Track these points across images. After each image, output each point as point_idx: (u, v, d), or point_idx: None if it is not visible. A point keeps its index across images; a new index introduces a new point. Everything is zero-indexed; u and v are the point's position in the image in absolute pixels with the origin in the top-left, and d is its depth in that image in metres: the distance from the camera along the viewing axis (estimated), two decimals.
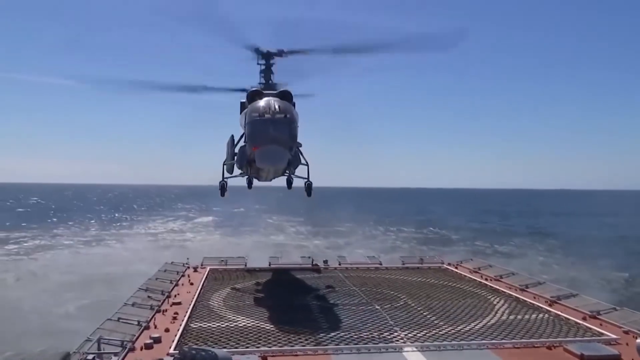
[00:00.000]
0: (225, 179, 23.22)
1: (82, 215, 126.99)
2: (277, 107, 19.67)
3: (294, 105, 21.87)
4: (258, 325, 17.13)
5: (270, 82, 23.40)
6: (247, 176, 23.03)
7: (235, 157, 22.73)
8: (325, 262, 30.10)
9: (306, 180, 23.03)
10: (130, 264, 52.73)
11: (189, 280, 24.60)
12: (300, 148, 22.07)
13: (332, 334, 16.12)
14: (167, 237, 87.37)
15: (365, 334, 16.17)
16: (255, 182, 23.71)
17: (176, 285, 23.37)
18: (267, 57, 23.27)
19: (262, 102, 20.11)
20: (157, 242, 79.78)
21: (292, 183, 22.09)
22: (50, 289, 43.22)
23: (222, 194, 23.22)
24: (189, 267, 27.64)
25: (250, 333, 16.21)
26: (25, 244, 75.77)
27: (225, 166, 23.45)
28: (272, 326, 16.90)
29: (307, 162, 22.92)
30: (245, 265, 29.13)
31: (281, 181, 23.22)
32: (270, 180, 23.90)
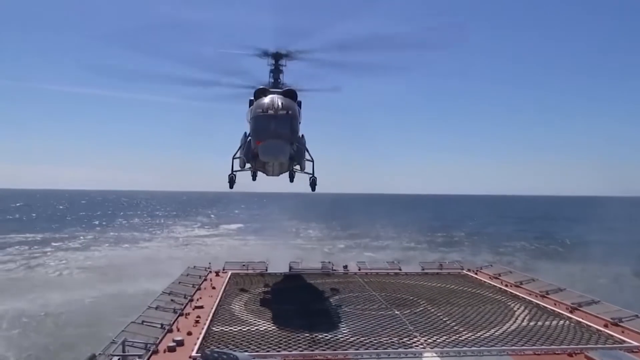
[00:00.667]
0: (234, 172, 24.16)
1: (131, 218, 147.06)
2: (279, 104, 20.55)
3: (299, 103, 22.78)
4: (279, 329, 17.35)
5: (279, 81, 24.38)
6: (253, 169, 24.06)
7: (244, 151, 23.62)
8: (345, 267, 30.24)
9: (311, 175, 24.25)
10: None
11: (211, 284, 24.95)
12: (306, 145, 23.53)
13: (352, 338, 16.28)
14: (196, 239, 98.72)
15: (384, 339, 16.29)
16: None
17: (198, 289, 23.72)
18: (275, 58, 24.33)
19: (266, 100, 21.11)
20: (187, 244, 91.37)
21: (294, 176, 23.25)
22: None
23: (231, 187, 24.22)
24: (211, 272, 27.98)
25: (271, 337, 16.44)
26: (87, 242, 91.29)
27: (235, 160, 24.31)
28: (292, 330, 17.10)
29: (312, 159, 24.13)
30: (266, 270, 29.42)
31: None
32: (278, 174, 24.75)
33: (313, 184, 24.34)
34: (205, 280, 25.82)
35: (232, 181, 24.11)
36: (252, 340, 16.05)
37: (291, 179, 23.57)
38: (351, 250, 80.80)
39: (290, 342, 15.92)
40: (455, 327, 17.70)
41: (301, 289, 24.91)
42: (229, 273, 27.95)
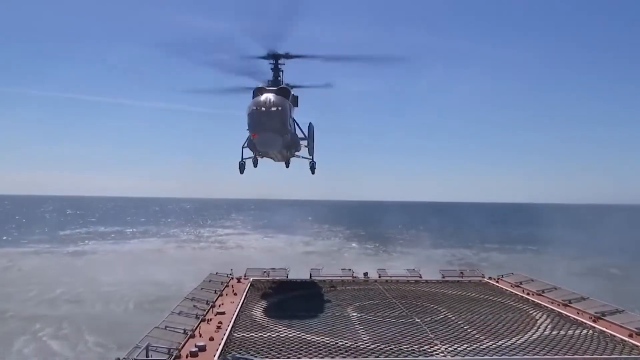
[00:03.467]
0: (244, 160, 26.89)
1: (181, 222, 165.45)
2: (270, 100, 22.97)
3: (296, 98, 26.04)
4: (299, 335, 17.47)
5: (279, 79, 26.15)
6: (254, 157, 26.63)
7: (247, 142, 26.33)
8: (366, 274, 30.26)
9: (310, 160, 28.83)
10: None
11: (233, 290, 25.19)
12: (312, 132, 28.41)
13: (373, 346, 16.33)
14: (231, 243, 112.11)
15: (405, 346, 16.30)
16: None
17: (220, 295, 23.97)
18: (275, 58, 26.16)
19: (259, 97, 23.33)
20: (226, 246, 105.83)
21: (289, 163, 26.72)
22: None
23: (241, 172, 26.96)
24: (232, 278, 28.23)
25: (292, 343, 16.57)
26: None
27: (245, 149, 26.76)
28: (313, 337, 17.22)
29: (313, 146, 28.77)
30: (287, 277, 29.58)
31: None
32: (282, 161, 27.97)
33: (312, 167, 28.90)
34: (227, 286, 26.07)
35: (242, 167, 26.83)
36: (273, 347, 16.19)
37: (287, 164, 26.73)
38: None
39: (311, 349, 16.03)
40: (476, 336, 17.64)
41: (322, 296, 25.02)
42: (250, 279, 28.18)
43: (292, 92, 26.33)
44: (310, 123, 30.70)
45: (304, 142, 28.90)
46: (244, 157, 26.50)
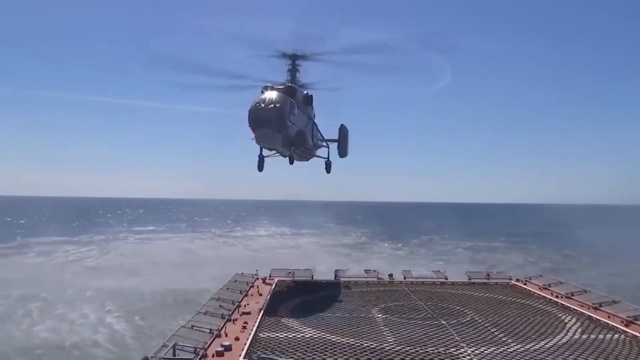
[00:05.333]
0: (263, 156, 27.24)
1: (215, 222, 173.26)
2: (269, 98, 23.61)
3: (309, 98, 26.98)
4: (324, 336, 17.48)
5: (296, 79, 26.94)
6: (260, 153, 26.91)
7: None
8: (391, 275, 30.12)
9: (326, 159, 29.75)
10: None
11: (258, 291, 25.32)
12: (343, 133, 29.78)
13: (398, 348, 16.24)
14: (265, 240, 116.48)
15: (431, 349, 16.18)
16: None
17: (246, 295, 24.11)
18: (292, 59, 26.95)
19: (260, 95, 23.99)
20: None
21: (293, 159, 26.44)
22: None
23: (260, 169, 27.21)
24: (257, 278, 28.37)
25: (317, 344, 16.58)
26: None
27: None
28: (338, 338, 17.21)
29: (327, 145, 29.92)
30: (312, 277, 29.62)
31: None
32: (302, 159, 28.90)
33: (328, 166, 29.72)
34: (252, 286, 26.21)
35: (260, 163, 27.07)
36: (298, 347, 16.22)
37: (291, 161, 26.50)
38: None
39: (336, 349, 16.02)
40: (503, 339, 17.40)
41: (346, 297, 24.97)
42: (275, 280, 28.28)
43: (306, 92, 27.14)
44: (342, 125, 31.49)
45: (331, 143, 30.12)
46: (262, 153, 26.74)
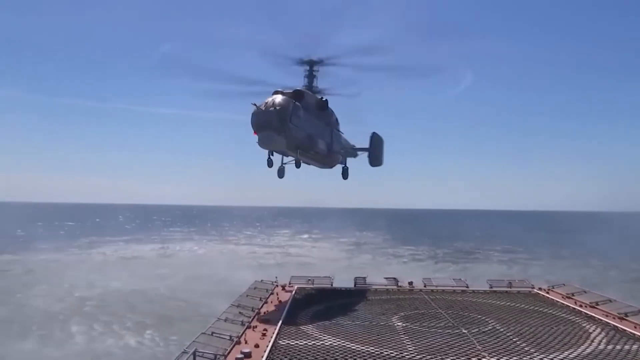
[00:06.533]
0: (283, 164, 27.48)
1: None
2: (271, 102, 24.11)
3: (324, 103, 27.30)
4: (344, 344, 17.40)
5: (312, 85, 27.46)
6: (268, 157, 26.67)
7: None
8: (411, 283, 29.93)
9: (343, 165, 30.95)
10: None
11: (278, 298, 25.34)
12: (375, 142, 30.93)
13: (418, 356, 16.10)
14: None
15: (451, 358, 16.01)
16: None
17: (265, 302, 24.15)
18: (309, 65, 27.37)
19: (264, 100, 24.36)
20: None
21: (300, 163, 26.70)
22: None
23: (280, 176, 27.22)
24: (277, 285, 28.41)
25: (337, 352, 16.51)
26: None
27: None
28: (357, 346, 17.13)
29: (357, 152, 31.53)
30: (331, 285, 29.56)
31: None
32: (324, 166, 29.80)
33: (344, 172, 31.07)
34: (272, 294, 26.25)
35: (280, 171, 27.10)
36: (318, 355, 16.17)
37: (297, 165, 26.72)
38: None
39: (356, 357, 15.94)
40: (526, 348, 17.15)
41: (366, 304, 24.86)
42: (295, 287, 28.28)
43: (321, 97, 27.47)
44: (373, 133, 32.52)
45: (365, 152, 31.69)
46: (283, 161, 26.95)
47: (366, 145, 32.60)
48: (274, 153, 26.00)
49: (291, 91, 25.47)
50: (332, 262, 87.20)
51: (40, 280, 67.19)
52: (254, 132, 24.33)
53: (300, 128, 24.95)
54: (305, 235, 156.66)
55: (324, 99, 27.64)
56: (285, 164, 26.99)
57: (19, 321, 45.81)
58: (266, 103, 24.10)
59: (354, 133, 32.43)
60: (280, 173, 27.05)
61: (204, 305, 49.84)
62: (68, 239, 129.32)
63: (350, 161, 32.42)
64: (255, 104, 23.85)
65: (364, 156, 32.78)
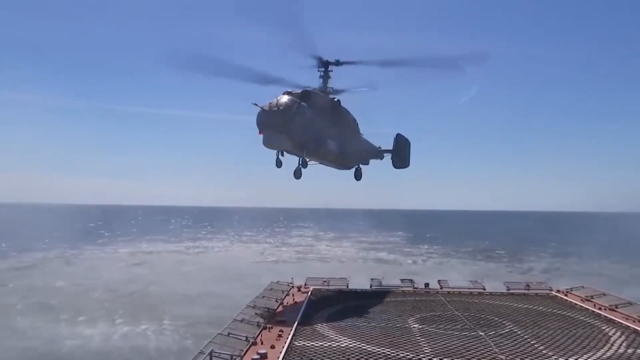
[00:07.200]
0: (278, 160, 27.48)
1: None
2: (275, 102, 24.40)
3: (336, 103, 27.52)
4: (360, 346, 17.38)
5: (327, 86, 27.59)
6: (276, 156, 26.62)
7: None
8: (427, 285, 29.79)
9: (357, 166, 30.81)
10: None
11: (293, 299, 25.39)
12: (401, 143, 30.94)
13: (434, 359, 16.03)
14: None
15: None
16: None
17: (281, 303, 24.20)
18: (325, 65, 27.50)
19: (271, 100, 24.56)
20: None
21: (307, 163, 26.94)
22: None
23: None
24: (293, 287, 28.46)
25: (352, 354, 16.50)
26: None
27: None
28: (373, 347, 17.09)
29: (381, 154, 31.52)
30: (347, 286, 29.53)
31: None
32: (340, 167, 30.07)
33: (357, 173, 31.02)
34: (287, 295, 26.30)
35: (297, 172, 27.12)
36: (334, 357, 16.18)
37: (304, 164, 26.82)
38: None
39: (371, 359, 15.91)
40: (544, 351, 16.98)
41: (382, 306, 24.80)
42: (311, 288, 28.31)
43: (333, 97, 27.60)
44: (397, 134, 32.31)
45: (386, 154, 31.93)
46: (300, 163, 27.03)
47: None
48: (284, 153, 26.10)
49: (299, 91, 25.64)
50: (352, 262, 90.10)
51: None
52: (259, 132, 24.61)
53: (305, 128, 25.03)
54: (331, 234, 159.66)
55: (335, 99, 27.72)
56: (301, 165, 27.06)
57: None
58: (270, 103, 24.33)
59: (380, 135, 32.78)
60: (297, 174, 27.08)
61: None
62: (135, 235, 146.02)
63: (373, 163, 32.40)
64: (257, 105, 24.09)
65: (386, 158, 32.66)
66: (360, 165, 31.18)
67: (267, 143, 24.55)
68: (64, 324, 45.06)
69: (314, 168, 28.45)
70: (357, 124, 30.15)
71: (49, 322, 45.22)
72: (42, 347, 38.74)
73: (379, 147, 32.40)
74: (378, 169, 32.75)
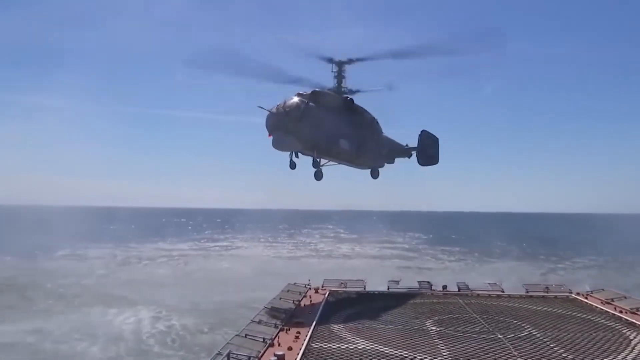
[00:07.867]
0: (319, 168, 27.86)
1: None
2: (282, 104, 24.63)
3: (349, 102, 27.59)
4: (377, 348, 17.36)
5: (341, 86, 27.69)
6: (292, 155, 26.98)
7: None
8: (445, 287, 29.63)
9: (375, 166, 30.73)
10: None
11: (310, 301, 25.43)
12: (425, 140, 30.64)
13: None
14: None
15: None
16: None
17: (298, 305, 24.25)
18: (339, 65, 27.62)
19: (278, 102, 24.78)
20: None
21: (318, 164, 26.79)
22: None
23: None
24: (310, 289, 28.49)
25: (370, 356, 16.49)
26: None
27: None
28: (391, 350, 17.06)
29: (409, 153, 31.62)
30: (364, 288, 29.50)
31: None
32: (356, 166, 30.29)
33: (373, 171, 30.83)
34: (304, 297, 26.34)
35: (317, 174, 27.31)
36: (351, 359, 16.19)
37: (316, 165, 26.72)
38: None
39: None
40: (563, 355, 16.80)
41: (399, 308, 24.72)
42: (328, 290, 28.33)
43: (346, 97, 27.56)
44: (422, 131, 31.60)
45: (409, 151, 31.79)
46: (291, 159, 27.04)
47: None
48: (299, 155, 26.29)
49: (309, 92, 25.76)
50: (372, 262, 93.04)
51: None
52: (268, 134, 24.82)
53: (314, 128, 25.08)
54: (355, 235, 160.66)
55: (349, 98, 27.68)
56: (322, 166, 27.22)
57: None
58: (278, 106, 24.50)
59: (402, 135, 32.75)
60: (318, 175, 27.23)
61: None
62: (177, 235, 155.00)
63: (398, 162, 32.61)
64: (263, 108, 24.32)
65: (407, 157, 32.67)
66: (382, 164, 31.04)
67: (277, 145, 24.81)
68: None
69: (335, 169, 28.67)
70: (377, 123, 30.08)
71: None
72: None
73: (406, 145, 32.21)
74: (405, 169, 32.95)
